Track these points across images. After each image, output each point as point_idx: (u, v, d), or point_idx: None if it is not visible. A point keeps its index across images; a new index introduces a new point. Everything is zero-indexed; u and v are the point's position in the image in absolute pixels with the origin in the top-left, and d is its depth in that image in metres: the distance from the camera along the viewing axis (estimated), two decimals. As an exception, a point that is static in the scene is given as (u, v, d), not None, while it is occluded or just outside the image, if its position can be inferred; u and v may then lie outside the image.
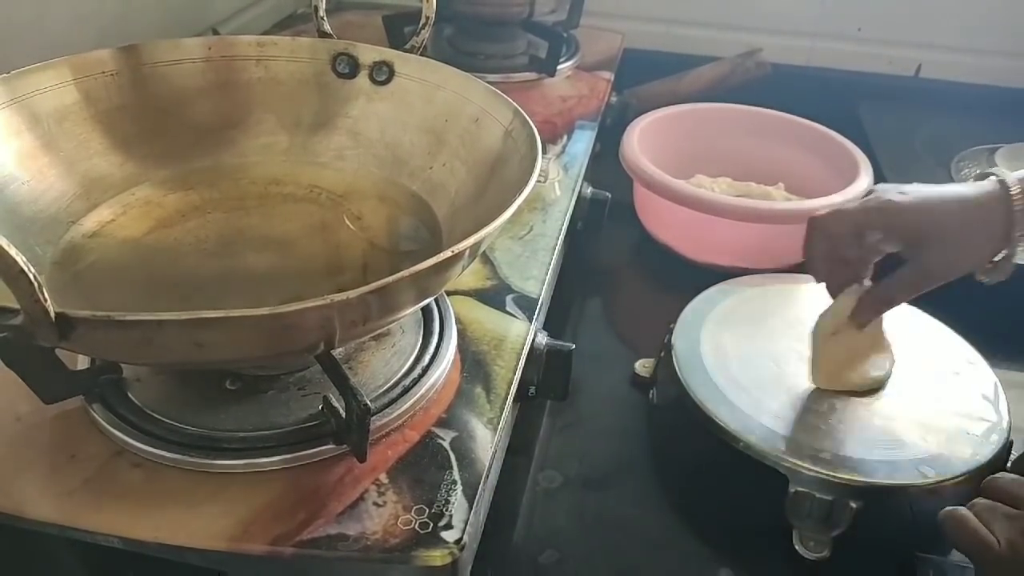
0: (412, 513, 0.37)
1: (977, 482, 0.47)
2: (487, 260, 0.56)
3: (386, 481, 0.39)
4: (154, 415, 0.41)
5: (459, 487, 0.39)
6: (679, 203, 0.70)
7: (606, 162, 0.80)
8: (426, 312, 0.49)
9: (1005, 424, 0.52)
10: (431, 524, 0.37)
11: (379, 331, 0.47)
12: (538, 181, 0.47)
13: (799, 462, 0.48)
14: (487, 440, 0.42)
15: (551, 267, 0.56)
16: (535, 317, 0.51)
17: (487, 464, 0.40)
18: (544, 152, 0.50)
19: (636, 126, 0.80)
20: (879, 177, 0.75)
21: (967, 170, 0.85)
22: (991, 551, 0.40)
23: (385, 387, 0.44)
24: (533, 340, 0.50)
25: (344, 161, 0.55)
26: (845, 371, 0.53)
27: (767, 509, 0.48)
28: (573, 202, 0.66)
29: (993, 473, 0.50)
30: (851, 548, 0.47)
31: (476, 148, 0.49)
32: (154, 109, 0.52)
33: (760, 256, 0.70)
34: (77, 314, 0.30)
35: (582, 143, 0.75)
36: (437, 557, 0.36)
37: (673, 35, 1.08)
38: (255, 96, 0.55)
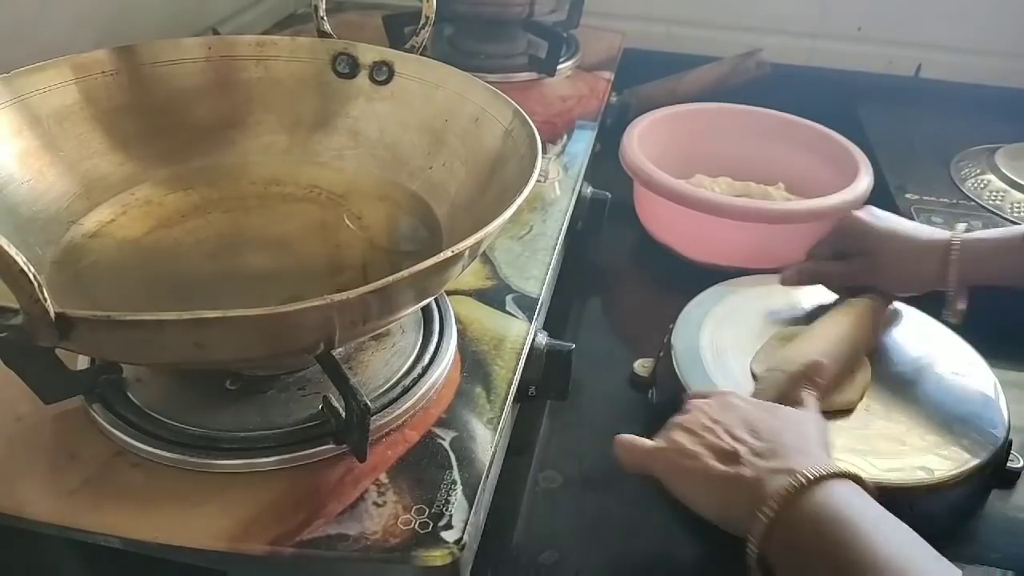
0: (412, 513, 0.37)
1: (977, 481, 0.47)
2: (487, 260, 0.56)
3: (386, 481, 0.39)
4: (154, 415, 0.41)
5: (459, 487, 0.39)
6: (679, 203, 0.70)
7: (606, 162, 0.80)
8: (426, 312, 0.49)
9: (1004, 423, 0.52)
10: (431, 524, 0.37)
11: (379, 331, 0.47)
12: (538, 181, 0.47)
13: None
14: (487, 440, 0.42)
15: (551, 267, 0.56)
16: (535, 317, 0.51)
17: (487, 464, 0.40)
18: (544, 152, 0.50)
19: (636, 126, 0.80)
20: (879, 177, 0.75)
21: (967, 170, 0.85)
22: (655, 450, 0.44)
23: (385, 387, 0.44)
24: (533, 340, 0.50)
25: (344, 161, 0.55)
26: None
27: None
28: (573, 202, 0.66)
29: (992, 472, 0.50)
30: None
31: (476, 148, 0.49)
32: (154, 109, 0.52)
33: (760, 256, 0.70)
34: (77, 314, 0.30)
35: (582, 143, 0.75)
36: (437, 557, 0.36)
37: (673, 35, 1.08)
38: (255, 96, 0.55)
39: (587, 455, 0.55)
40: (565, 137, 0.76)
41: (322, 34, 0.55)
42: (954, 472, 0.48)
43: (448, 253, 0.34)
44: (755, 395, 0.49)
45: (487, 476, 0.40)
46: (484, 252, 0.54)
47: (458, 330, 0.49)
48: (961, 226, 0.59)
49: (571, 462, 0.54)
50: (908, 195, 0.81)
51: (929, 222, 0.76)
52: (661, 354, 0.59)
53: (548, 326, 0.55)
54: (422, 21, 0.54)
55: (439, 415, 0.43)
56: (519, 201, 0.38)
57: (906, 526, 0.37)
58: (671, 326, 0.59)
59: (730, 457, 0.41)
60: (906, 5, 1.01)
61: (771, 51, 0.96)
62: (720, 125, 0.85)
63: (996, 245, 0.56)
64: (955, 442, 0.50)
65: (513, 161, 0.46)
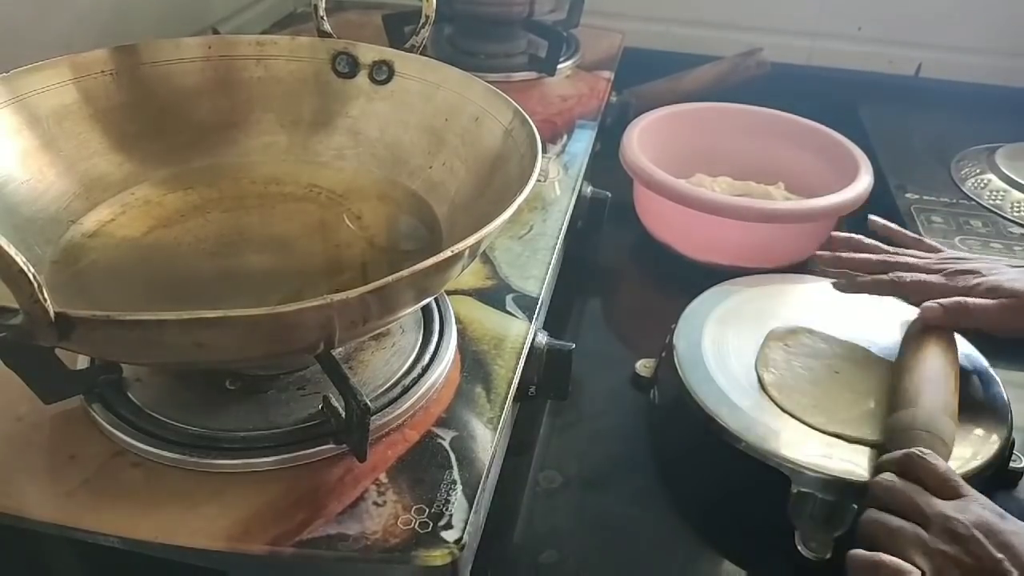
0: (412, 513, 0.37)
1: (979, 482, 0.47)
2: (487, 259, 0.56)
3: (386, 481, 0.39)
4: (154, 415, 0.41)
5: (459, 487, 0.39)
6: (679, 203, 0.70)
7: (606, 162, 0.80)
8: (426, 312, 0.49)
9: (1007, 423, 0.51)
10: (431, 524, 0.37)
11: (379, 331, 0.47)
12: (538, 180, 0.46)
13: (801, 462, 0.48)
14: (487, 440, 0.42)
15: (551, 267, 0.56)
16: (535, 317, 0.51)
17: (487, 464, 0.40)
18: (544, 151, 0.50)
19: (636, 125, 0.80)
20: (879, 177, 0.75)
21: (967, 169, 0.85)
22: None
23: (385, 387, 0.44)
24: (533, 340, 0.50)
25: (344, 160, 0.55)
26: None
27: (769, 509, 0.48)
28: (573, 201, 0.66)
29: (994, 472, 0.50)
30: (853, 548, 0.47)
31: (476, 147, 0.49)
32: (154, 108, 0.52)
33: (760, 256, 0.70)
34: (77, 314, 0.30)
35: (582, 142, 0.75)
36: (437, 557, 0.36)
37: (673, 35, 1.08)
38: (255, 95, 0.55)
39: (587, 455, 0.55)
40: (565, 137, 0.76)
41: (322, 34, 0.55)
42: (956, 472, 0.48)
43: (448, 253, 0.34)
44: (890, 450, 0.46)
45: (487, 476, 0.40)
46: (484, 252, 0.54)
47: (458, 330, 0.49)
48: None
49: (571, 462, 0.54)
50: (908, 195, 0.81)
51: (929, 222, 0.76)
52: (663, 354, 0.59)
53: (548, 326, 0.55)
54: (422, 20, 0.54)
55: (439, 415, 0.43)
56: (519, 201, 0.38)
57: None
58: (673, 326, 0.59)
59: None
60: (906, 5, 1.01)
61: (771, 51, 0.96)
62: (720, 124, 0.85)
63: None
64: (957, 442, 0.50)
65: (513, 161, 0.46)
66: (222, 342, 0.33)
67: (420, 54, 0.54)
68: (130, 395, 0.42)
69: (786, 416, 0.51)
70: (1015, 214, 0.78)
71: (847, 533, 0.47)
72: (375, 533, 0.36)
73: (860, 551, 0.41)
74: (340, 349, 0.45)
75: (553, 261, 0.57)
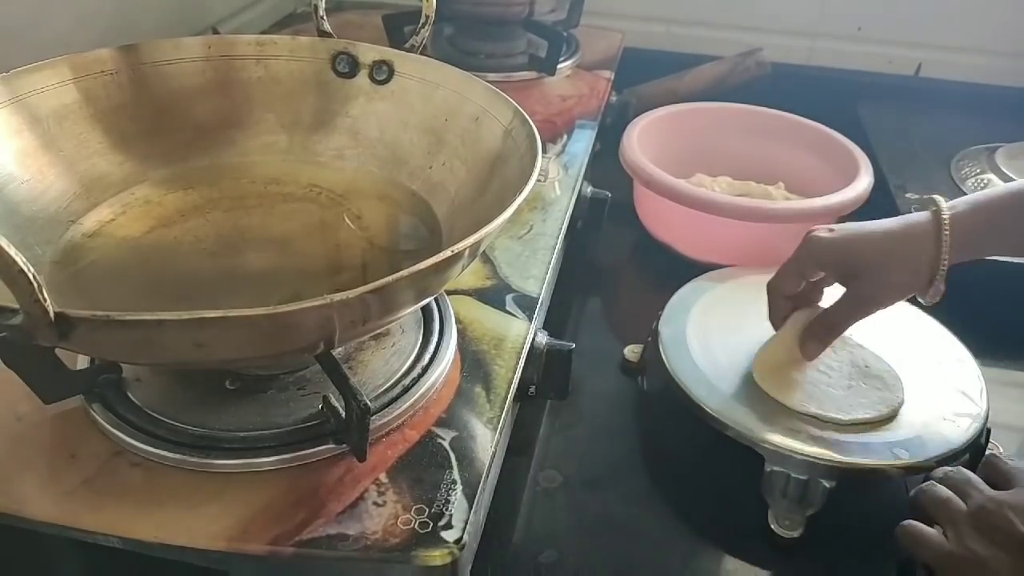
0: (412, 513, 0.37)
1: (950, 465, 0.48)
2: (487, 259, 0.56)
3: (386, 481, 0.39)
4: (154, 415, 0.41)
5: (459, 487, 0.39)
6: (679, 202, 0.70)
7: (606, 161, 0.80)
8: (426, 312, 0.49)
9: (983, 413, 0.52)
10: (431, 524, 0.37)
11: (379, 331, 0.47)
12: (538, 180, 0.46)
13: (774, 441, 0.49)
14: (487, 440, 0.42)
15: (551, 266, 0.56)
16: (535, 316, 0.51)
17: (487, 464, 0.40)
18: (544, 151, 0.50)
19: (636, 125, 0.80)
20: (879, 176, 0.75)
21: (967, 169, 0.85)
22: (938, 546, 0.43)
23: (385, 386, 0.44)
24: (533, 339, 0.50)
25: (344, 160, 0.55)
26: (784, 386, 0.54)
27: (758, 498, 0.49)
28: (573, 201, 0.66)
29: (970, 461, 0.51)
30: (826, 527, 0.48)
31: (476, 147, 0.49)
32: (154, 108, 0.52)
33: (760, 255, 0.70)
34: (77, 314, 0.30)
35: (582, 142, 0.75)
36: (437, 557, 0.36)
37: (673, 35, 1.08)
38: (255, 95, 0.55)
39: (587, 455, 0.55)
40: (565, 136, 0.76)
41: (322, 33, 0.55)
42: (928, 456, 0.49)
43: (448, 253, 0.34)
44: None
45: (487, 476, 0.40)
46: (484, 252, 0.54)
47: (458, 330, 0.49)
48: (941, 200, 0.51)
49: (571, 462, 0.54)
50: (908, 194, 0.81)
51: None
52: (649, 339, 0.60)
53: (548, 326, 0.55)
54: (422, 20, 0.54)
55: (439, 415, 0.43)
56: (519, 201, 0.38)
57: None
58: (659, 313, 0.61)
59: None
60: (906, 5, 1.01)
61: (771, 51, 0.96)
62: (720, 124, 0.85)
63: (987, 211, 0.51)
64: (932, 428, 0.51)
65: (513, 160, 0.45)
66: (222, 342, 0.33)
67: (420, 54, 0.54)
68: (130, 395, 0.42)
69: (764, 397, 0.53)
70: (1015, 214, 0.78)
71: (818, 512, 0.48)
72: (375, 533, 0.36)
73: (910, 522, 0.45)
74: (340, 349, 0.45)
75: (553, 261, 0.57)
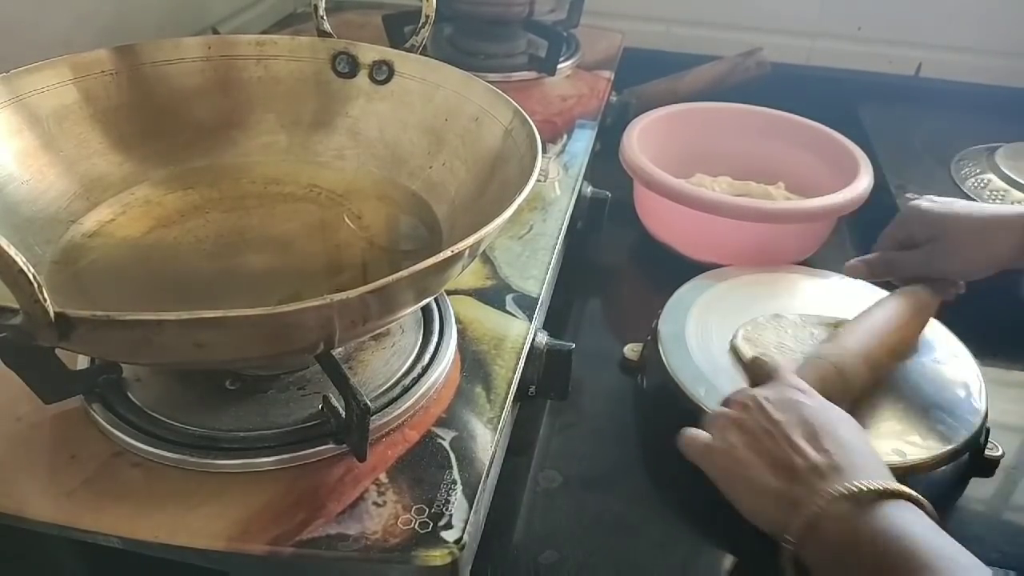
0: (412, 513, 0.37)
1: (952, 467, 0.49)
2: (487, 259, 0.56)
3: (386, 481, 0.39)
4: (154, 415, 0.41)
5: (459, 487, 0.39)
6: (679, 202, 0.70)
7: (606, 161, 0.80)
8: (426, 312, 0.49)
9: (981, 412, 0.52)
10: (431, 524, 0.37)
11: (379, 331, 0.47)
12: (538, 180, 0.47)
13: None
14: (487, 440, 0.42)
15: (551, 266, 0.56)
16: (535, 316, 0.51)
17: (487, 464, 0.40)
18: (544, 151, 0.50)
19: (636, 125, 0.80)
20: (879, 176, 0.75)
21: (967, 169, 0.85)
22: (703, 446, 0.45)
23: (385, 387, 0.44)
24: (533, 340, 0.50)
25: (344, 160, 0.55)
26: None
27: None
28: (573, 201, 0.66)
29: (971, 460, 0.52)
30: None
31: (476, 147, 0.49)
32: (154, 108, 0.52)
33: (760, 255, 0.70)
34: (77, 314, 0.30)
35: (582, 142, 0.75)
36: (437, 557, 0.36)
37: (673, 35, 1.08)
38: (255, 95, 0.55)
39: (587, 455, 0.55)
40: (565, 136, 0.76)
41: (322, 33, 0.55)
42: (928, 454, 0.49)
43: (448, 253, 0.34)
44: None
45: (487, 476, 0.40)
46: (484, 252, 0.54)
47: (458, 330, 0.49)
48: None
49: (571, 462, 0.54)
50: (908, 195, 0.81)
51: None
52: (648, 338, 0.60)
53: (548, 326, 0.55)
54: (422, 20, 0.54)
55: (439, 415, 0.43)
56: (519, 201, 0.38)
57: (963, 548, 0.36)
58: (659, 313, 0.61)
59: (786, 470, 0.40)
60: (906, 5, 1.01)
61: (771, 51, 0.96)
62: (720, 124, 0.85)
63: None
64: (931, 426, 0.51)
65: (513, 161, 0.46)
66: (222, 342, 0.33)
67: (420, 54, 0.54)
68: (130, 395, 0.42)
69: None
70: (1015, 214, 0.78)
71: None
72: (375, 533, 0.36)
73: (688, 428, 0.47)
74: (340, 349, 0.45)
75: (553, 261, 0.57)
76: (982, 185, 0.83)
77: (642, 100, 0.92)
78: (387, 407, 0.42)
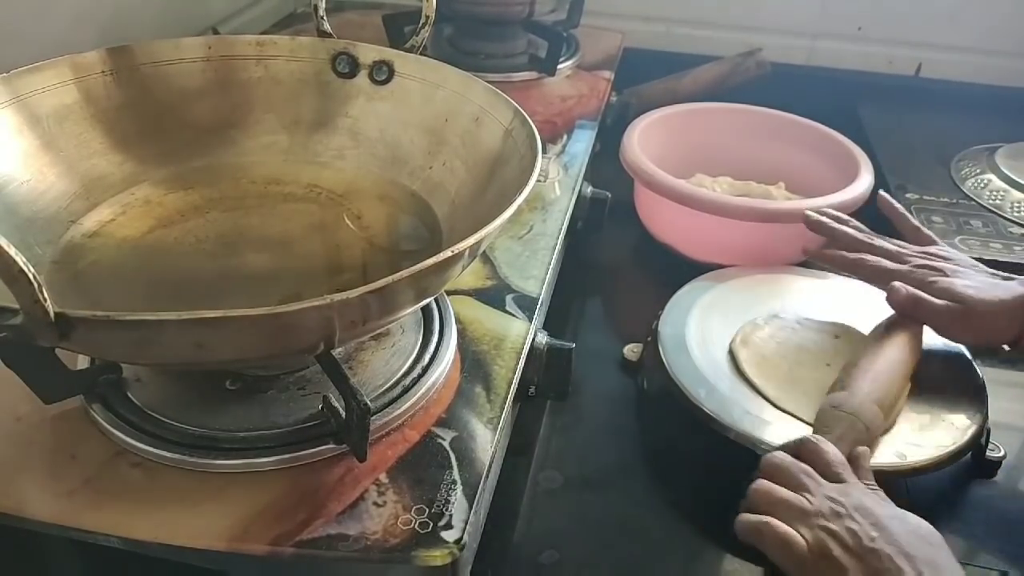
0: (412, 513, 0.37)
1: (953, 469, 0.49)
2: (487, 260, 0.56)
3: (386, 481, 0.39)
4: (154, 415, 0.41)
5: (459, 487, 0.39)
6: (679, 203, 0.70)
7: (606, 162, 0.80)
8: (426, 312, 0.49)
9: (983, 413, 0.52)
10: (431, 524, 0.37)
11: (379, 331, 0.47)
12: (538, 180, 0.47)
13: (773, 442, 0.49)
14: (487, 440, 0.42)
15: (551, 266, 0.56)
16: (535, 316, 0.51)
17: (487, 464, 0.40)
18: (544, 151, 0.50)
19: (636, 126, 0.80)
20: (879, 176, 0.75)
21: (967, 169, 0.85)
22: (798, 551, 0.41)
23: (385, 387, 0.44)
24: (533, 339, 0.50)
25: (344, 161, 0.55)
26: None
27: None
28: (573, 201, 0.66)
29: (972, 461, 0.52)
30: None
31: (476, 148, 0.49)
32: (154, 109, 0.52)
33: (760, 255, 0.70)
34: (77, 314, 0.30)
35: (582, 142, 0.75)
36: (437, 557, 0.36)
37: (673, 35, 1.08)
38: (255, 96, 0.55)
39: (587, 455, 0.55)
40: (565, 137, 0.76)
41: (322, 34, 0.55)
42: (930, 456, 0.49)
43: (448, 253, 0.34)
44: (816, 430, 0.48)
45: (487, 476, 0.40)
46: (484, 252, 0.54)
47: (458, 330, 0.49)
48: None
49: (571, 462, 0.54)
50: (908, 195, 0.81)
51: (929, 222, 0.76)
52: (649, 339, 0.60)
53: (548, 326, 0.55)
54: (422, 20, 0.54)
55: (439, 415, 0.43)
56: (519, 201, 0.38)
57: None
58: (659, 313, 0.61)
59: None
60: (906, 5, 1.01)
61: (771, 51, 0.96)
62: (720, 125, 0.85)
63: None
64: (934, 428, 0.51)
65: (513, 161, 0.46)
66: (222, 342, 0.33)
67: (420, 54, 0.54)
68: (130, 395, 0.42)
69: (761, 400, 0.53)
70: (1015, 214, 0.78)
71: None
72: (375, 533, 0.36)
73: (748, 515, 0.43)
74: (340, 349, 0.45)
75: (553, 261, 0.57)
76: (982, 185, 0.83)
77: (642, 100, 0.92)
78: (387, 407, 0.42)
